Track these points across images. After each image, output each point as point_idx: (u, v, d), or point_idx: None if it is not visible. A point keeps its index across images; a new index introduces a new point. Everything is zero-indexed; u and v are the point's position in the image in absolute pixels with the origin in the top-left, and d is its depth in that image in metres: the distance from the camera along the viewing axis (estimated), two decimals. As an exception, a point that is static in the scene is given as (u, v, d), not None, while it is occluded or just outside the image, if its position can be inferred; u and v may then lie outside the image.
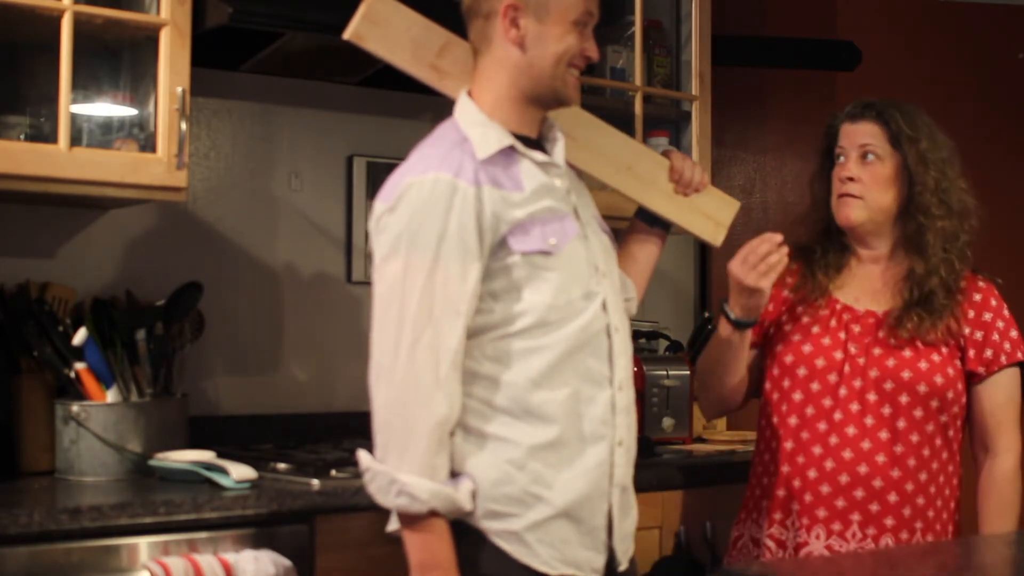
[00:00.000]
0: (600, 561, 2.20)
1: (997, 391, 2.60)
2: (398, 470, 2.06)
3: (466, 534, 2.13)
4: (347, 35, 2.29)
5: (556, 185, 2.23)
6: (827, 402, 2.55)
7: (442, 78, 2.36)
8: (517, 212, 2.14)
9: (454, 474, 2.14)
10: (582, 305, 2.18)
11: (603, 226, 2.36)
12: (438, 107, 2.36)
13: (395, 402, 2.07)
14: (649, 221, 2.56)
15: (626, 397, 2.24)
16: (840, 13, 4.07)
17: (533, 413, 2.13)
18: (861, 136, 2.60)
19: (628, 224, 2.58)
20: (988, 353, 2.58)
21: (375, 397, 2.10)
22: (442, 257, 2.07)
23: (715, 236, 2.64)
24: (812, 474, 2.54)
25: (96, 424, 2.61)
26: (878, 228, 2.62)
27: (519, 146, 2.20)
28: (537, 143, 2.27)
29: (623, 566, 2.25)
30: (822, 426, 2.55)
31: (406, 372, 2.06)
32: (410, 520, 2.09)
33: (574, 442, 2.16)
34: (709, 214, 2.61)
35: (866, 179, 2.58)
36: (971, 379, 2.60)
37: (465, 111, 2.23)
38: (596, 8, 2.25)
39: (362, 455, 2.12)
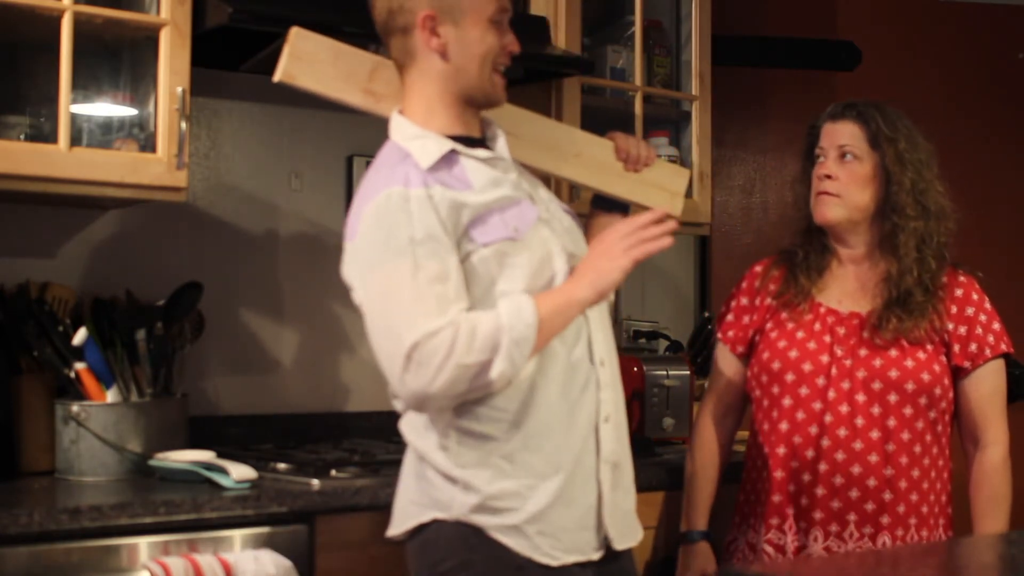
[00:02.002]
0: (594, 541, 2.20)
1: (983, 384, 2.61)
2: (503, 351, 2.06)
3: (463, 532, 2.13)
4: (277, 77, 2.31)
5: (505, 176, 2.25)
6: (817, 405, 2.56)
7: (378, 101, 2.37)
8: (473, 203, 2.15)
9: (451, 479, 2.14)
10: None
11: (564, 207, 2.37)
12: (438, 107, 2.36)
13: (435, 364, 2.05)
14: (606, 207, 2.58)
15: (608, 372, 2.25)
16: (840, 13, 4.07)
17: (522, 406, 2.14)
18: (840, 136, 2.62)
19: (587, 215, 2.59)
20: (972, 347, 2.59)
21: (416, 384, 2.06)
22: (420, 258, 2.08)
23: (672, 206, 2.64)
24: (806, 478, 2.55)
25: (96, 424, 2.61)
26: (855, 227, 2.63)
27: (460, 148, 2.21)
28: (481, 142, 2.29)
29: (620, 545, 2.24)
30: (813, 429, 2.56)
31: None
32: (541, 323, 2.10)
33: (561, 427, 2.16)
34: (662, 186, 2.62)
35: (844, 178, 2.60)
36: (957, 374, 2.61)
37: (399, 128, 2.26)
38: (509, 3, 2.26)
39: (493, 371, 2.07)
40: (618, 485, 2.25)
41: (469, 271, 2.13)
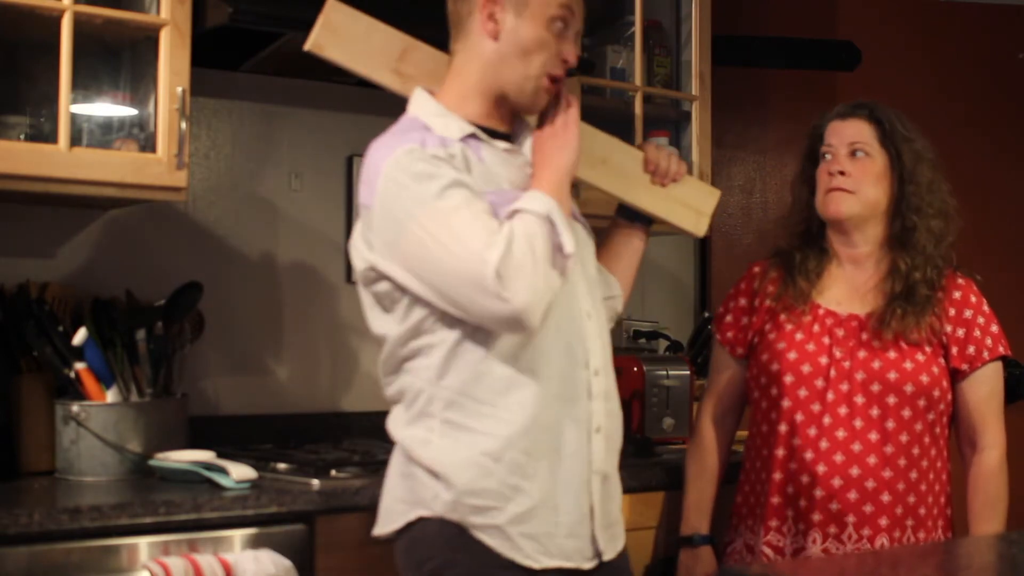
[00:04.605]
0: (586, 551, 2.18)
1: (980, 387, 2.61)
2: (558, 227, 2.08)
3: (447, 531, 2.12)
4: (307, 46, 2.28)
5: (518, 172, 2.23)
6: (816, 407, 2.56)
7: (405, 82, 2.34)
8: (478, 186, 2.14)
9: (434, 474, 2.12)
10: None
11: (576, 216, 2.33)
12: (438, 107, 2.36)
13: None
14: (629, 216, 2.54)
15: (603, 383, 2.21)
16: (840, 13, 4.07)
17: (510, 402, 2.11)
18: (850, 134, 2.62)
19: (609, 222, 2.57)
20: (971, 350, 2.59)
21: (521, 289, 2.01)
22: (460, 193, 2.06)
23: (697, 226, 2.58)
24: (805, 479, 2.55)
25: (96, 424, 2.61)
26: (864, 224, 2.63)
27: (481, 134, 2.20)
28: (506, 137, 2.27)
29: (608, 556, 2.22)
30: (812, 431, 2.56)
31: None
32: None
33: (550, 430, 2.14)
34: (689, 203, 2.55)
35: (857, 173, 2.60)
36: (955, 376, 2.61)
37: (421, 104, 2.23)
38: (578, 8, 2.23)
39: (566, 246, 2.09)
40: (609, 497, 2.23)
41: None
